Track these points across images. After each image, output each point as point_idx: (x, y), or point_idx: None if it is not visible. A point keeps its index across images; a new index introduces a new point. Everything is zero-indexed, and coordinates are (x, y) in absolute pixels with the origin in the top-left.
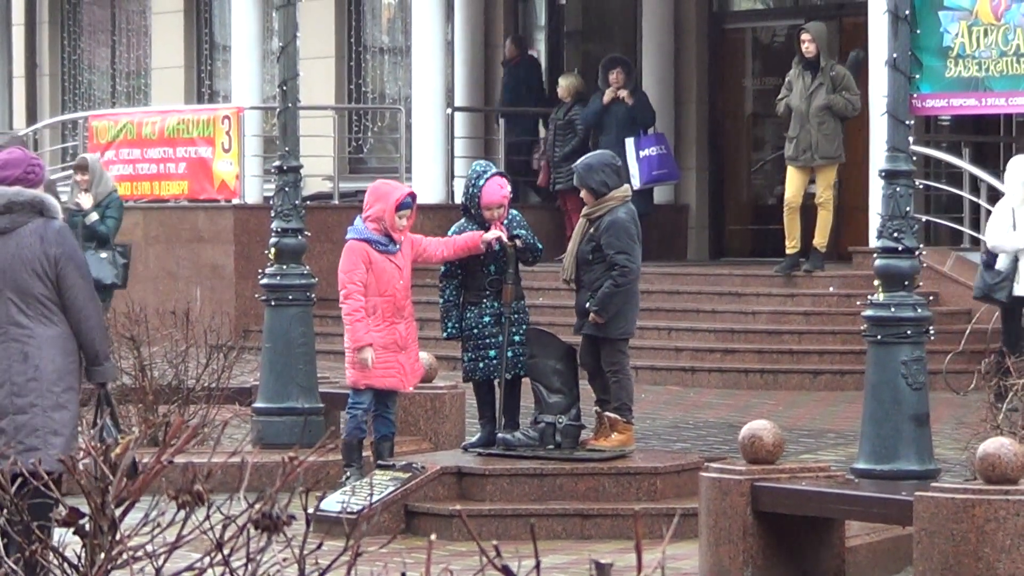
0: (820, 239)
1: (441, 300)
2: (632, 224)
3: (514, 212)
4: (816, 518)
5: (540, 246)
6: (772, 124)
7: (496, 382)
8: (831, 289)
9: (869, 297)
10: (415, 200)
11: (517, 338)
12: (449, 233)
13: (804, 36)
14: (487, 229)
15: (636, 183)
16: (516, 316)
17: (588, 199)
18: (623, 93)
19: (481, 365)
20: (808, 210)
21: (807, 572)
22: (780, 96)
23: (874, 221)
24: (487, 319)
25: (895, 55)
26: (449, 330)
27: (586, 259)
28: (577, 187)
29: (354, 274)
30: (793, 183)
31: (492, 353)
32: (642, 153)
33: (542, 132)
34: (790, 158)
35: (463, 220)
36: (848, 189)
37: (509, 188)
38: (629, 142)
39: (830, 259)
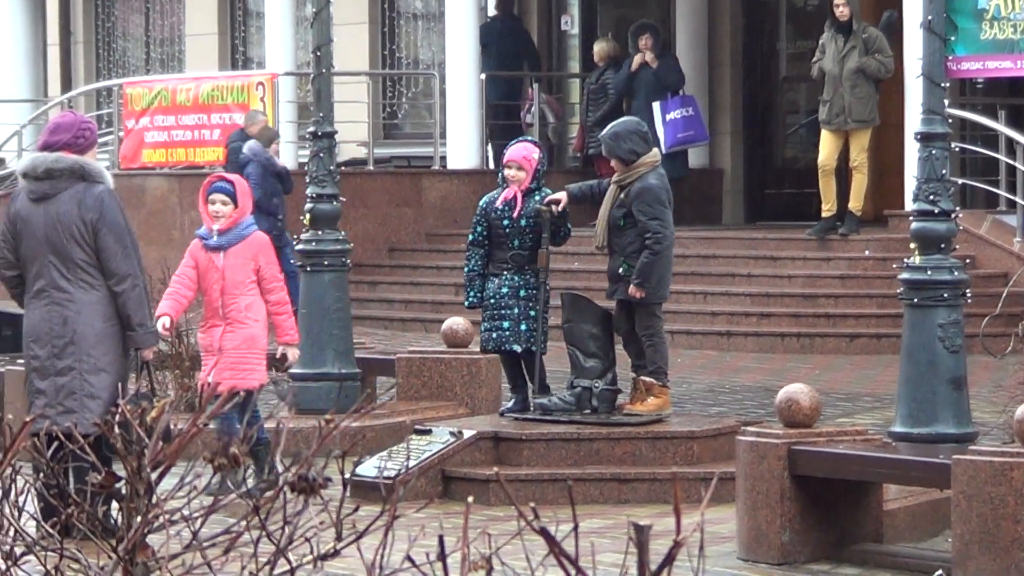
0: (856, 203)
1: (466, 269)
2: (663, 190)
3: (548, 190)
4: (854, 482)
5: (570, 226)
6: (807, 87)
7: (519, 350)
8: (866, 252)
9: (905, 260)
10: (236, 187)
11: (532, 313)
12: (480, 203)
13: (840, 5)
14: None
15: (662, 147)
16: (534, 292)
17: (618, 167)
18: (648, 57)
19: (495, 335)
20: (843, 173)
21: (845, 536)
22: (814, 59)
23: (910, 184)
24: (504, 290)
25: (930, 17)
26: (471, 299)
27: (617, 225)
28: (606, 156)
29: (182, 264)
30: (827, 146)
31: (506, 324)
32: (668, 116)
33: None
34: (824, 121)
35: (499, 189)
36: (883, 152)
37: (536, 155)
38: (656, 106)
39: (866, 222)
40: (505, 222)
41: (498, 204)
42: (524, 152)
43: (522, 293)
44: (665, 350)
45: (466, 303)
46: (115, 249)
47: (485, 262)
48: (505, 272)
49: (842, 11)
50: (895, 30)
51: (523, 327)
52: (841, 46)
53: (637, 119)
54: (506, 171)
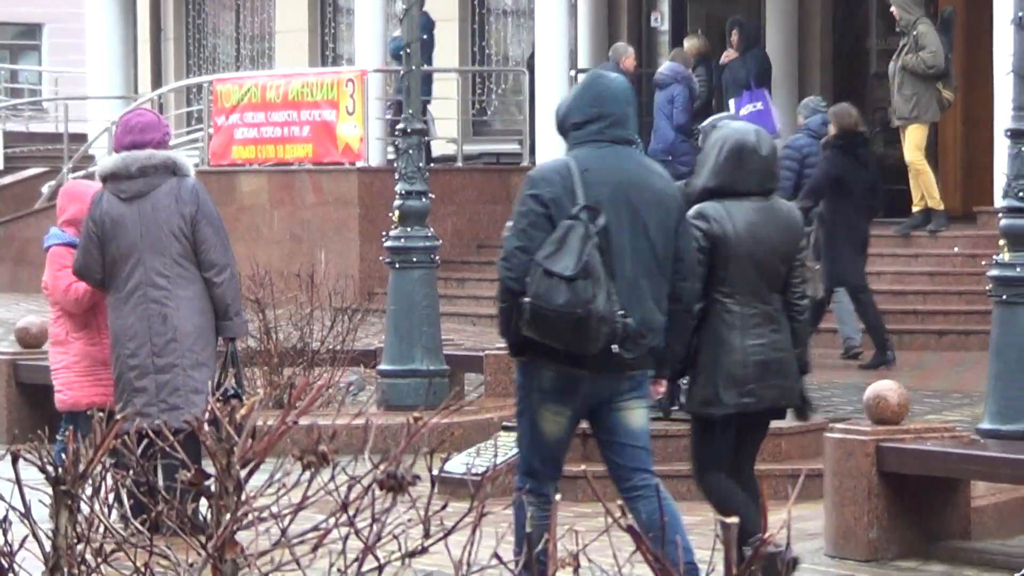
0: (931, 200)
1: None
2: None
3: None
4: (942, 478)
5: None
6: None
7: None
8: (955, 249)
9: (994, 257)
10: None
11: None
12: None
13: (891, 7)
14: None
15: None
16: None
17: None
18: (730, 53)
19: None
20: (935, 168)
21: (933, 532)
22: None
23: (999, 181)
24: None
25: (1020, 13)
26: None
27: None
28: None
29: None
30: (903, 144)
31: None
32: (740, 112)
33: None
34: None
35: None
36: (973, 149)
37: None
38: (732, 103)
39: (955, 219)
40: None
41: None
42: None
43: None
44: None
45: None
46: (214, 240)
47: None
48: None
49: (892, 11)
50: (953, 25)
51: None
52: (899, 46)
53: (733, 115)
54: None
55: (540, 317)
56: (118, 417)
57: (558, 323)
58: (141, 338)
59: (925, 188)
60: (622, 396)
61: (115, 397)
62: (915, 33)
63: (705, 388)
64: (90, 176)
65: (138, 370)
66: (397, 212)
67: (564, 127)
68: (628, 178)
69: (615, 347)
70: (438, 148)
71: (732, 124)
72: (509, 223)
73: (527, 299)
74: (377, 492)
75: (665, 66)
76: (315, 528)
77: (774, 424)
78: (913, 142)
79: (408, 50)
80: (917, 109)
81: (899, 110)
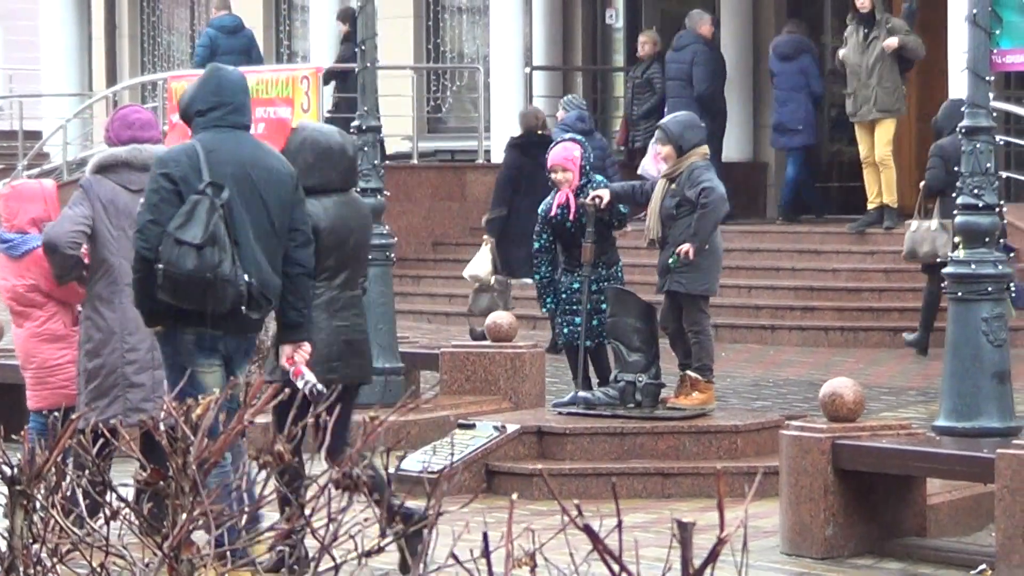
0: (889, 197)
1: (537, 277)
2: (711, 168)
3: (600, 178)
4: (897, 476)
5: (624, 209)
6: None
7: (584, 345)
8: None
9: (950, 254)
10: None
11: (604, 307)
12: (539, 211)
13: None
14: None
15: None
16: (607, 283)
17: (671, 156)
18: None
19: (567, 331)
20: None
21: (888, 530)
22: (840, 52)
23: None
24: (577, 286)
25: (975, 11)
26: (547, 305)
27: (670, 215)
28: (662, 143)
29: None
30: (862, 140)
31: (578, 320)
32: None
33: None
34: (851, 114)
35: (552, 192)
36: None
37: (578, 152)
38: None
39: (910, 216)
40: (568, 224)
41: (553, 212)
42: (564, 154)
43: (594, 288)
44: (711, 346)
45: (544, 309)
46: None
47: (554, 267)
48: (578, 268)
49: (862, 2)
50: (916, 21)
51: (595, 322)
52: (863, 37)
53: (692, 112)
54: (552, 176)
55: (172, 281)
56: (73, 416)
57: (189, 286)
58: (144, 332)
59: (886, 184)
60: (242, 355)
61: (97, 392)
62: (889, 26)
63: None
64: (47, 172)
65: (137, 364)
66: None
67: (188, 114)
68: (248, 158)
69: (243, 308)
70: (393, 145)
71: (313, 125)
72: (142, 200)
73: (160, 266)
74: (333, 491)
75: (785, 38)
76: (272, 527)
77: (729, 422)
78: (887, 136)
79: (364, 47)
80: (899, 101)
81: (881, 102)
